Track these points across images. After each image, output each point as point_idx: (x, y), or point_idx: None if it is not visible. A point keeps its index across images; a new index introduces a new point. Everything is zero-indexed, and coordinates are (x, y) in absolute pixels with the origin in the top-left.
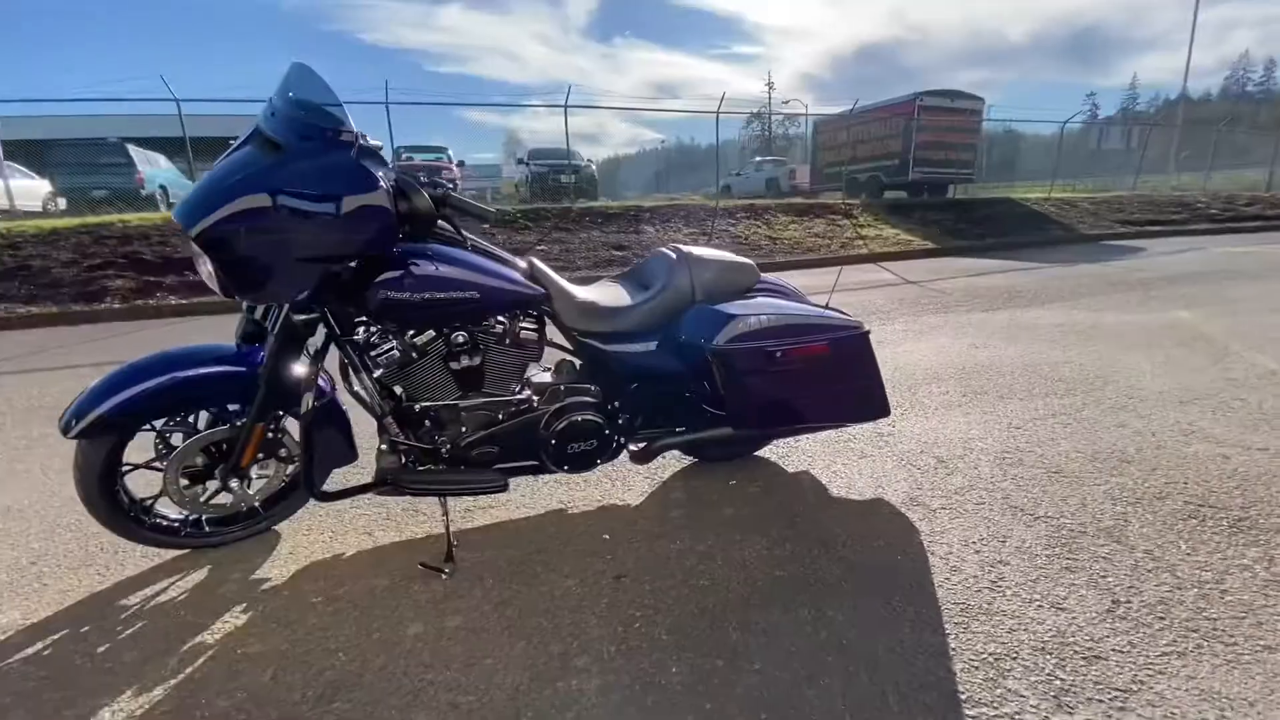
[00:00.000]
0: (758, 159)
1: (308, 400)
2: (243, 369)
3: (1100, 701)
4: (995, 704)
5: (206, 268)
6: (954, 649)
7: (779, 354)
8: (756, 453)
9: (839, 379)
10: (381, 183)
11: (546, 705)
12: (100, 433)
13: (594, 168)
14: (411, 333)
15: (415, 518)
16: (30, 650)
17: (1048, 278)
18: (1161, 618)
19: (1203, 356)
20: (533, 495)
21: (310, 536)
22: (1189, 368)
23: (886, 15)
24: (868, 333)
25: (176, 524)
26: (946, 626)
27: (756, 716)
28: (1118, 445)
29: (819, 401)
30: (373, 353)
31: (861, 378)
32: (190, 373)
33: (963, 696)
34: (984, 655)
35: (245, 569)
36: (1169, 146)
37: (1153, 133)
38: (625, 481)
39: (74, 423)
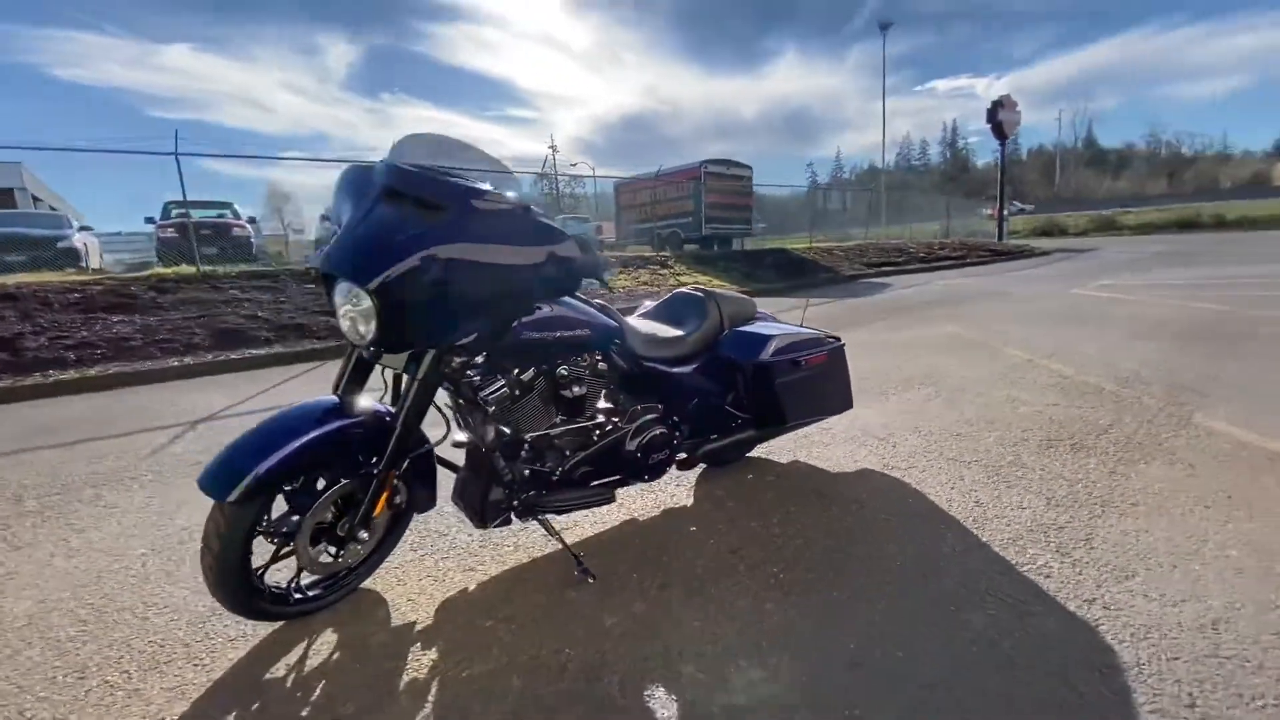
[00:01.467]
0: (561, 216)
1: (452, 433)
2: (358, 419)
3: (1063, 531)
4: (1029, 562)
5: (360, 318)
6: (983, 541)
7: (802, 363)
8: (749, 455)
9: (830, 380)
10: (569, 235)
11: (752, 641)
12: (251, 497)
13: (250, 229)
14: (517, 370)
15: (477, 553)
16: None
17: (842, 308)
18: (1076, 499)
19: (984, 355)
20: (591, 513)
21: (397, 583)
22: (981, 363)
23: (642, 89)
24: (844, 344)
25: (284, 591)
26: (969, 531)
27: (851, 599)
28: (981, 414)
29: (817, 399)
30: (483, 392)
31: (842, 379)
32: (322, 430)
33: (1004, 558)
34: (1005, 540)
35: (370, 623)
36: (875, 205)
37: (860, 195)
38: (663, 489)
39: (230, 486)
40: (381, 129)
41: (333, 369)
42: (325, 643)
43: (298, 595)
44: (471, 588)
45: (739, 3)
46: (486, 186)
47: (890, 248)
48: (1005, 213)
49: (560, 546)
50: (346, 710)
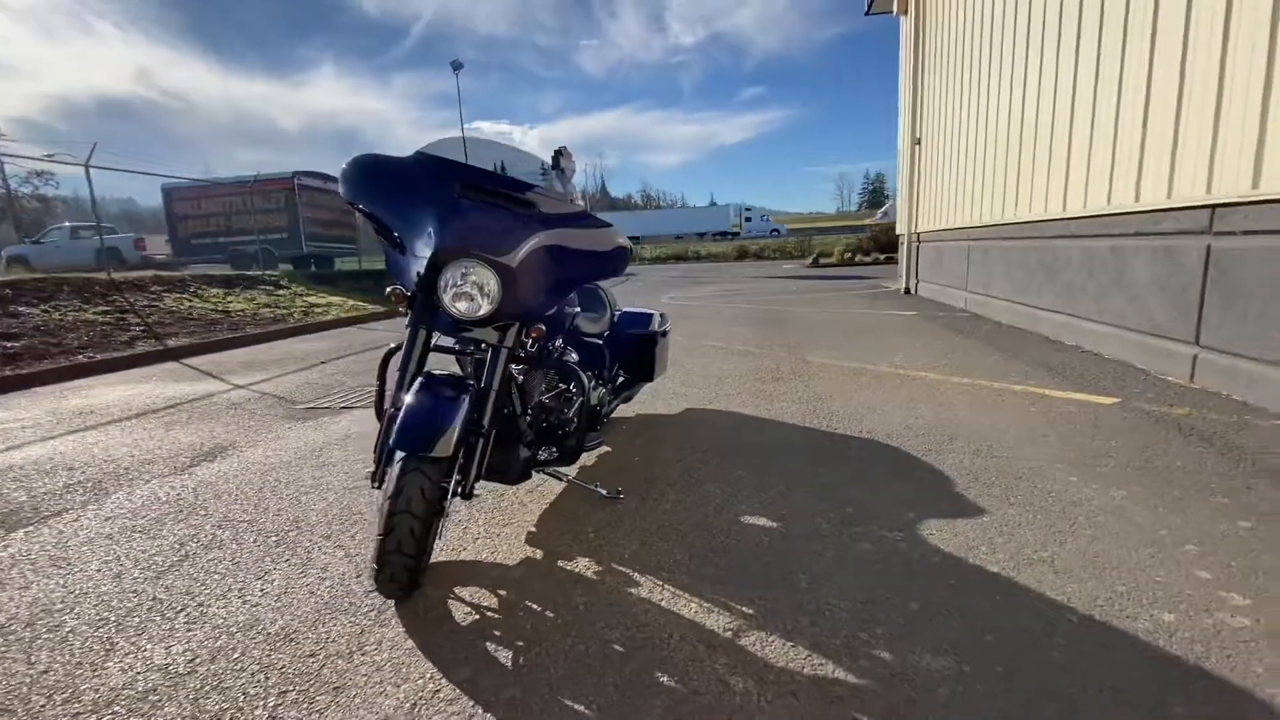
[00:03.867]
0: (67, 224)
1: (535, 397)
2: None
3: (810, 404)
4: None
5: (483, 292)
6: (768, 418)
7: (666, 332)
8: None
9: (668, 348)
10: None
11: (709, 487)
12: (456, 450)
13: None
14: (548, 343)
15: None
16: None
17: None
18: (792, 396)
19: None
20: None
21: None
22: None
23: (133, 73)
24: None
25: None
26: (763, 419)
27: (722, 462)
28: (708, 374)
29: (664, 361)
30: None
31: (667, 347)
32: (468, 396)
33: (777, 420)
34: (776, 411)
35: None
36: None
37: None
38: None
39: (434, 441)
40: None
41: None
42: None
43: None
44: (536, 523)
45: None
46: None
47: None
48: None
49: (574, 485)
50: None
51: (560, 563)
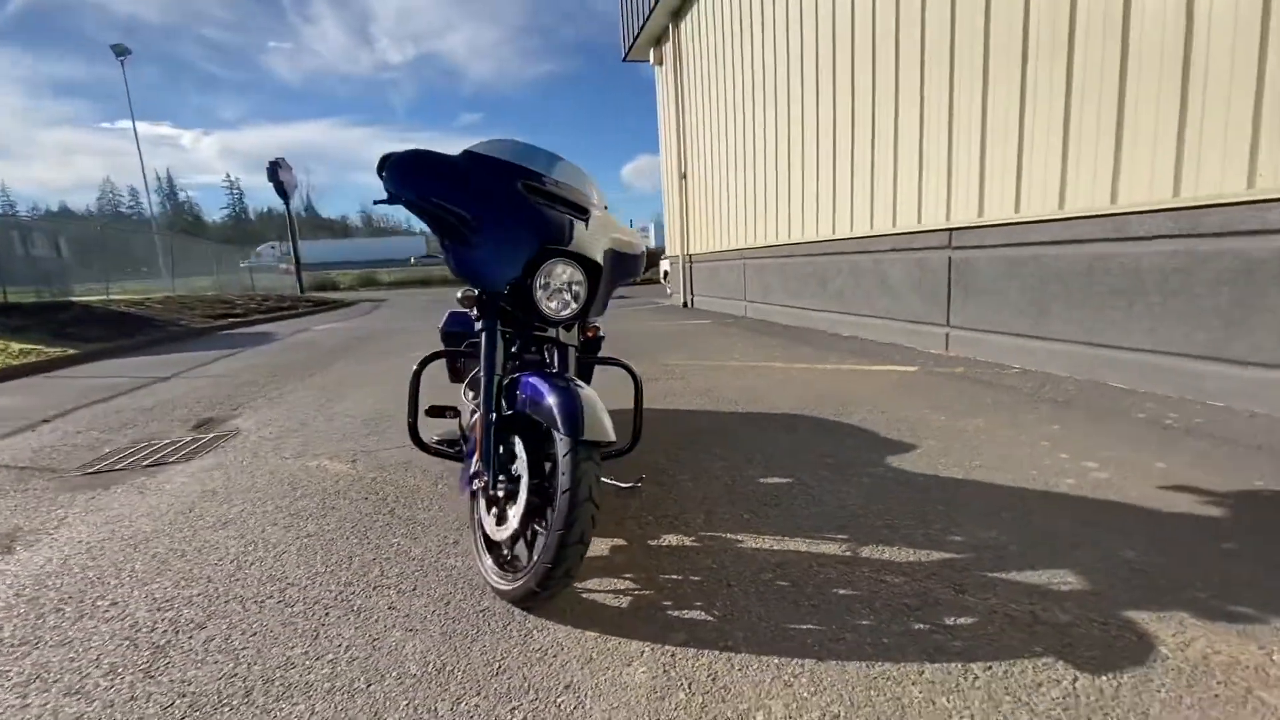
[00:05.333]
0: None
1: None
2: None
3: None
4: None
5: (581, 290)
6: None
7: (604, 335)
8: None
9: None
10: None
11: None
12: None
13: None
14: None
15: None
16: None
17: (282, 354)
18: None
19: None
20: None
21: None
22: None
23: None
24: None
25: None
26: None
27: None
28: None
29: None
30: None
31: None
32: None
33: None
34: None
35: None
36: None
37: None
38: None
39: (605, 428)
40: None
41: None
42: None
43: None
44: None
45: None
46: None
47: (213, 299)
48: (287, 268)
49: None
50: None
51: (650, 542)
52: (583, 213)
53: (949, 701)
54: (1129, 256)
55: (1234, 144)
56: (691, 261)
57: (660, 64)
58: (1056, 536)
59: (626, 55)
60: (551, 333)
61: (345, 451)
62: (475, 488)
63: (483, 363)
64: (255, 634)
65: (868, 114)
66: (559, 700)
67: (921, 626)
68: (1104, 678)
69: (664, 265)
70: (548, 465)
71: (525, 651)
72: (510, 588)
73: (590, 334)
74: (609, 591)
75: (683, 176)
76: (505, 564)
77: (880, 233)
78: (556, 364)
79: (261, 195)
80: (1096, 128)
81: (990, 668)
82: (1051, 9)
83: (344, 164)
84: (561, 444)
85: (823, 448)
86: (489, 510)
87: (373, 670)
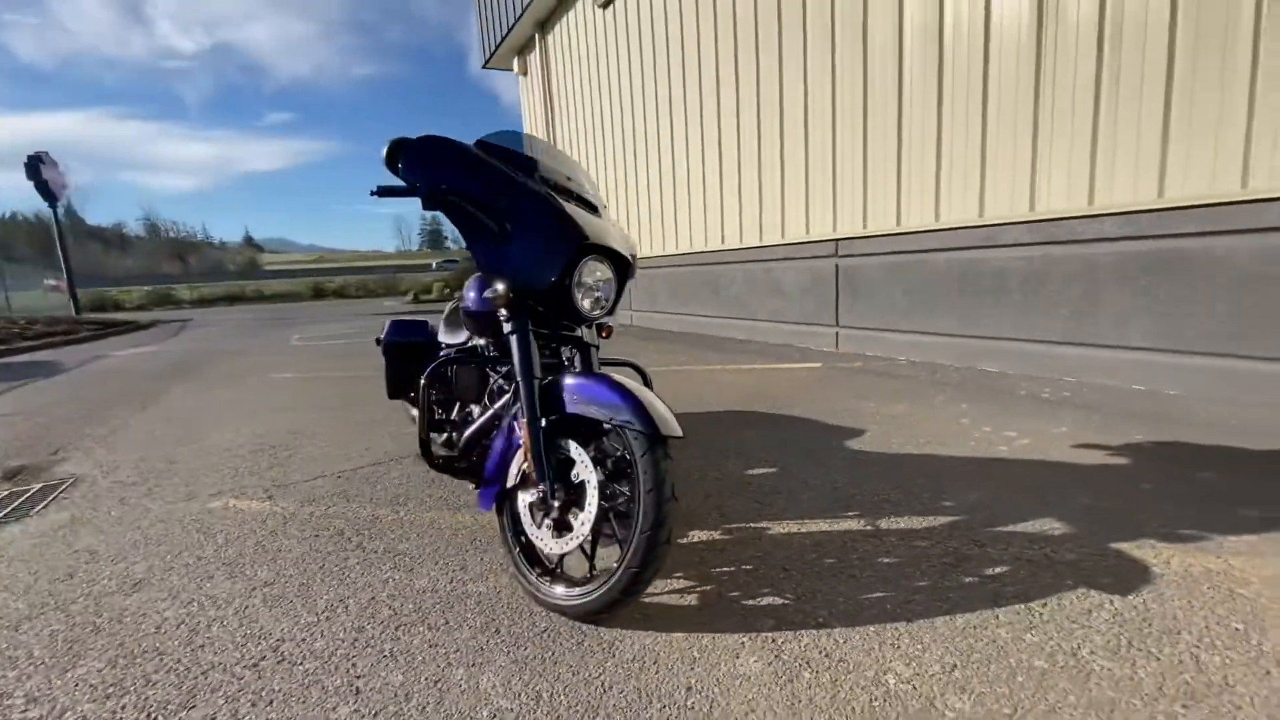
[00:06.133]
0: None
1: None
2: None
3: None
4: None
5: (613, 289)
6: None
7: None
8: None
9: None
10: None
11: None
12: None
13: None
14: None
15: None
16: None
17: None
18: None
19: None
20: None
21: None
22: None
23: None
24: None
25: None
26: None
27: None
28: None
29: None
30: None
31: None
32: None
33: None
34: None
35: None
36: None
37: None
38: None
39: (676, 424)
40: None
41: None
42: None
43: None
44: None
45: None
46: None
47: None
48: (56, 284)
49: None
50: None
51: (681, 541)
52: (597, 209)
53: (1034, 636)
54: (997, 261)
55: (1076, 169)
56: None
57: (525, 74)
58: (1024, 492)
59: (487, 63)
60: (579, 332)
61: (250, 487)
62: (530, 500)
63: (519, 367)
64: (273, 702)
65: (753, 149)
66: (690, 702)
67: (971, 579)
68: (1132, 597)
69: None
70: (602, 468)
71: (620, 663)
72: (581, 601)
73: (606, 334)
74: (671, 592)
75: None
76: (565, 578)
77: (771, 243)
78: (579, 364)
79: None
80: (965, 155)
81: (1046, 604)
82: (923, 60)
83: (112, 162)
84: (638, 443)
85: (786, 438)
86: (541, 523)
87: (459, 713)
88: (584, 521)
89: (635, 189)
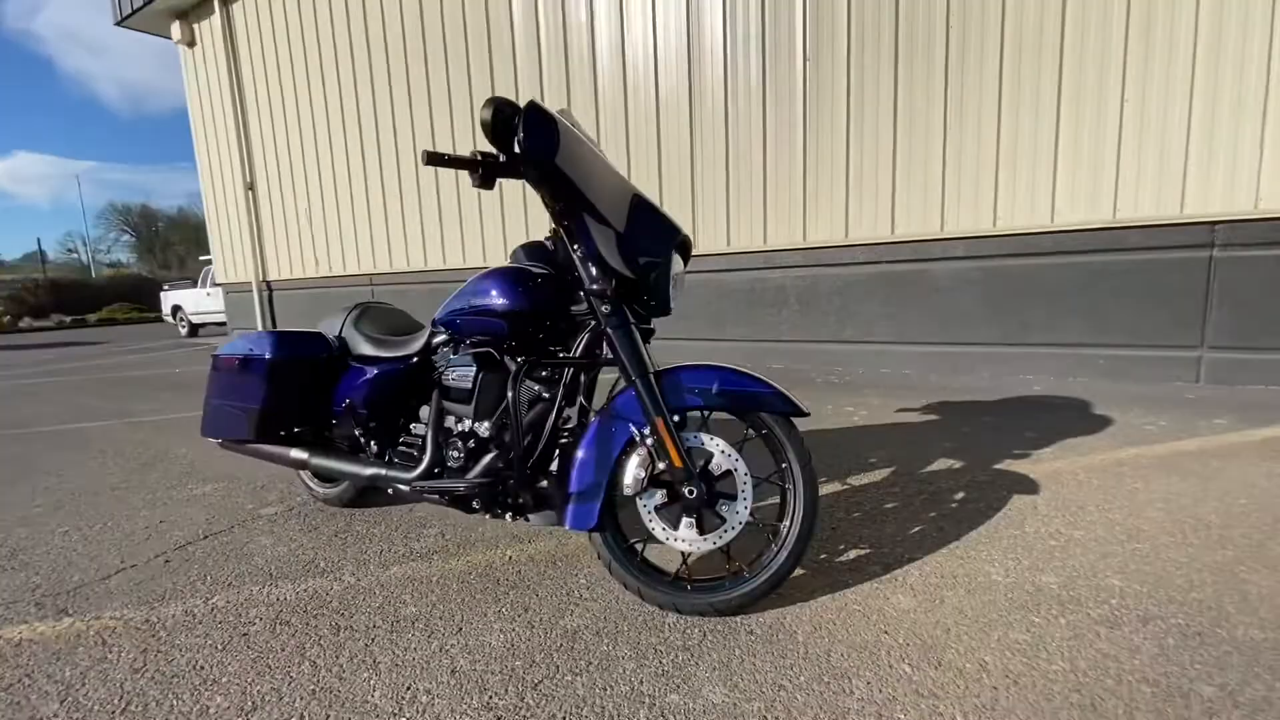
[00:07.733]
0: None
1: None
2: None
3: None
4: None
5: (681, 284)
6: None
7: None
8: None
9: None
10: None
11: None
12: None
13: None
14: None
15: None
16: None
17: None
18: None
19: None
20: None
21: None
22: None
23: None
24: None
25: None
26: None
27: None
28: None
29: None
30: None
31: None
32: None
33: None
34: None
35: None
36: None
37: None
38: None
39: None
40: None
41: None
42: None
43: None
44: None
45: None
46: None
47: None
48: None
49: None
50: None
51: None
52: None
53: (1083, 532)
54: (776, 279)
55: (836, 212)
56: (272, 289)
57: (191, 45)
58: (928, 444)
59: (124, 20)
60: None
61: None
62: (657, 503)
63: (630, 362)
64: None
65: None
66: (900, 639)
67: (998, 504)
68: (1052, 490)
69: (174, 297)
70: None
71: (773, 650)
72: (726, 597)
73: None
74: None
75: (250, 187)
76: (693, 580)
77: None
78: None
79: None
80: (750, 199)
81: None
82: (712, 128)
83: None
84: (781, 424)
85: None
86: (679, 524)
87: None
88: (738, 510)
89: (377, 195)
